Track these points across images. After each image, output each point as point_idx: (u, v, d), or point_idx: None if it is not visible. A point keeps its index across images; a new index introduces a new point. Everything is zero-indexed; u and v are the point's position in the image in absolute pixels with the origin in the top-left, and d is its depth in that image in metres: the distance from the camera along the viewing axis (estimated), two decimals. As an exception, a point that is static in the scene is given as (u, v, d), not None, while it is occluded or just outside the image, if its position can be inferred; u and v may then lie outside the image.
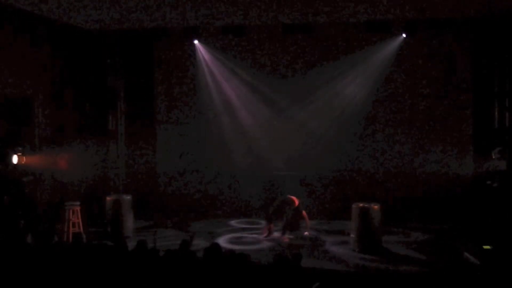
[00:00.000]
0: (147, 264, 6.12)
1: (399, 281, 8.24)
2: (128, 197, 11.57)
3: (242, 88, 14.05)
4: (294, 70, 13.87)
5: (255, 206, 13.74)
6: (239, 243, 10.86)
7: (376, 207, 10.14)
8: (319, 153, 13.53)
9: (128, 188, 13.91)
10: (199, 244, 9.75)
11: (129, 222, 11.44)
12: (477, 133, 12.82)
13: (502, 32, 12.16)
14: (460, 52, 13.02)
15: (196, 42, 14.01)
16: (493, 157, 11.12)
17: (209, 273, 5.78)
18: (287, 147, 13.78)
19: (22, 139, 11.18)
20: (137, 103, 14.49)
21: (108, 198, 11.55)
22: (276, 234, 11.20)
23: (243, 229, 12.29)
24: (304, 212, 11.17)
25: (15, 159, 10.32)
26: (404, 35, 12.99)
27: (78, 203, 11.21)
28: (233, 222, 13.09)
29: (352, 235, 10.34)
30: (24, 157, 10.51)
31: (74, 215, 10.98)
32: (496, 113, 12.50)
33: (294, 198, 11.23)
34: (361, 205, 10.22)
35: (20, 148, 10.53)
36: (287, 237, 10.95)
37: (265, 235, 11.17)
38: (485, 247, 8.79)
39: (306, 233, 11.16)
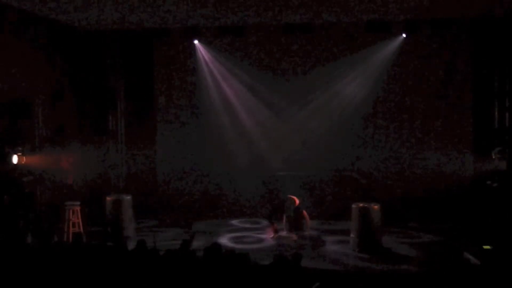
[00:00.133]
0: (147, 264, 6.12)
1: (399, 281, 8.23)
2: (128, 197, 11.56)
3: (242, 88, 14.05)
4: (294, 70, 13.87)
5: (256, 206, 13.73)
6: (242, 243, 10.91)
7: (376, 207, 10.14)
8: (319, 153, 13.53)
9: (128, 188, 13.90)
10: (203, 243, 9.74)
11: (129, 222, 11.44)
12: (477, 133, 12.83)
13: (502, 32, 12.16)
14: (460, 52, 13.03)
15: (196, 42, 14.01)
16: (493, 157, 11.13)
17: (209, 273, 5.78)
18: (287, 147, 13.78)
19: (22, 139, 11.18)
20: (137, 103, 14.48)
21: (108, 198, 11.54)
22: (283, 233, 11.19)
23: (246, 229, 12.29)
24: (304, 212, 11.18)
25: (15, 159, 10.32)
26: (404, 35, 12.99)
27: (78, 203, 11.22)
28: (235, 222, 13.11)
29: (352, 235, 10.35)
30: (24, 157, 10.51)
31: (74, 215, 10.98)
32: (496, 113, 12.51)
33: (294, 197, 11.24)
34: (361, 205, 10.23)
35: (20, 148, 10.53)
36: (294, 235, 10.94)
37: (271, 235, 11.18)
38: (485, 247, 8.79)
39: (306, 233, 11.17)
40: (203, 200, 14.23)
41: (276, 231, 11.21)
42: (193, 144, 14.19)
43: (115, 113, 14.38)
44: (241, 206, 13.96)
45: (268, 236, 11.24)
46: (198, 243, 9.78)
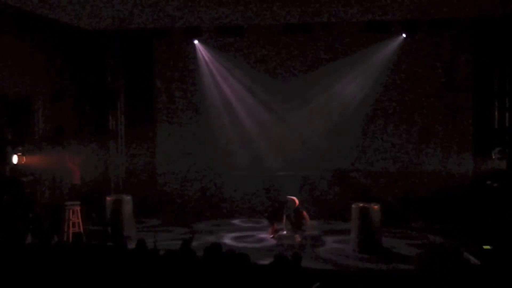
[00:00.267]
0: (147, 264, 6.12)
1: (399, 281, 8.23)
2: (128, 197, 11.56)
3: (242, 88, 14.05)
4: (294, 70, 13.87)
5: (256, 206, 13.74)
6: (245, 242, 10.95)
7: (376, 207, 10.14)
8: (319, 153, 13.54)
9: (128, 188, 13.90)
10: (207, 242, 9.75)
11: (129, 222, 11.43)
12: (477, 133, 12.82)
13: (502, 32, 12.16)
14: (460, 52, 13.03)
15: (196, 42, 14.01)
16: (493, 157, 11.13)
17: (209, 273, 5.77)
18: (287, 147, 13.79)
19: (22, 139, 11.17)
20: (137, 103, 14.49)
21: (108, 198, 11.55)
22: (284, 233, 11.19)
23: (247, 228, 12.30)
24: (304, 212, 11.17)
25: (15, 159, 10.32)
26: (404, 35, 12.99)
27: (78, 203, 11.22)
28: (236, 222, 13.13)
29: (352, 235, 10.34)
30: (24, 157, 10.51)
31: (74, 215, 10.98)
32: (496, 113, 12.51)
33: (294, 198, 11.24)
34: (361, 205, 10.23)
35: (20, 148, 10.53)
36: (298, 236, 10.94)
37: (271, 235, 11.19)
38: (485, 247, 8.79)
39: (306, 233, 11.16)
40: (203, 200, 14.23)
41: (276, 231, 11.21)
42: (193, 144, 14.19)
43: (115, 113, 14.39)
44: (241, 206, 13.95)
45: (268, 236, 11.25)
46: (200, 243, 9.80)
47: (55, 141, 12.26)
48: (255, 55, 13.96)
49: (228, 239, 11.24)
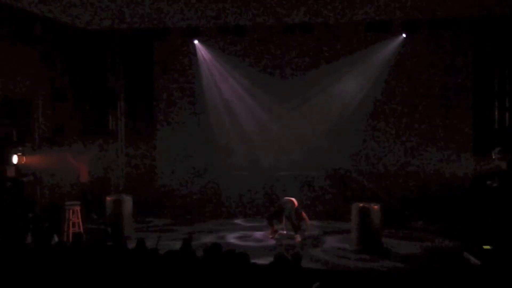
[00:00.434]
0: (147, 264, 6.12)
1: (399, 281, 8.23)
2: (128, 197, 11.56)
3: (242, 88, 14.06)
4: (294, 70, 13.87)
5: (256, 206, 13.74)
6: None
7: (376, 207, 10.13)
8: (319, 153, 13.53)
9: (128, 188, 13.90)
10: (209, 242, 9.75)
11: (129, 222, 11.44)
12: (477, 133, 12.82)
13: (502, 32, 12.16)
14: (460, 52, 13.02)
15: (196, 42, 14.00)
16: (493, 157, 11.11)
17: (209, 273, 5.77)
18: (287, 147, 13.79)
19: (22, 139, 11.18)
20: (137, 103, 14.49)
21: (108, 198, 11.54)
22: (284, 233, 11.19)
23: (247, 228, 12.31)
24: (303, 213, 11.16)
25: (15, 159, 10.32)
26: (404, 35, 12.99)
27: (78, 203, 11.22)
28: (237, 221, 13.16)
29: (352, 235, 10.34)
30: (24, 157, 10.51)
31: (74, 215, 10.98)
32: (496, 113, 12.51)
33: (293, 199, 11.22)
34: (361, 205, 10.22)
35: (20, 148, 10.53)
36: (298, 236, 10.93)
37: (271, 236, 11.18)
38: (485, 247, 8.79)
39: (306, 233, 11.15)
40: (203, 200, 14.22)
41: (276, 231, 11.21)
42: (193, 144, 14.18)
43: (115, 113, 14.39)
44: (242, 206, 13.95)
45: (269, 235, 11.24)
46: (202, 242, 9.81)
47: (55, 141, 12.27)
48: (255, 55, 13.96)
49: (229, 239, 11.23)
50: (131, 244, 7.02)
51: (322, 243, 10.91)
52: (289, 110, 13.89)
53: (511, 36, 12.03)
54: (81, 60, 13.37)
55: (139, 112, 14.49)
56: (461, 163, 12.97)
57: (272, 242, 10.87)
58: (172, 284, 5.76)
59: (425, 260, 9.58)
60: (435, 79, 13.24)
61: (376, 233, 10.13)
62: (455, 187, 12.60)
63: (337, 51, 13.56)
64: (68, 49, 12.91)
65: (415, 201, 12.78)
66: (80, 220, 11.01)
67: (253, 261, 6.26)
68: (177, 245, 7.29)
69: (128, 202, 11.43)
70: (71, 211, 10.93)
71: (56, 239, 8.54)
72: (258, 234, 11.63)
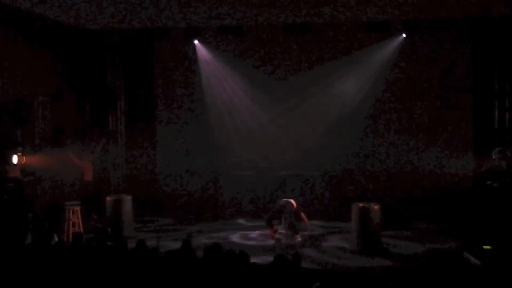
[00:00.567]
0: (147, 264, 6.12)
1: (399, 281, 8.23)
2: (128, 197, 11.56)
3: (242, 88, 14.05)
4: (294, 70, 13.86)
5: (256, 206, 13.75)
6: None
7: (376, 207, 10.13)
8: (319, 153, 13.52)
9: (128, 188, 13.91)
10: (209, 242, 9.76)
11: (129, 222, 11.44)
12: (477, 133, 12.82)
13: (502, 32, 12.16)
14: (460, 52, 13.02)
15: (196, 42, 14.00)
16: (493, 157, 11.12)
17: (209, 273, 5.77)
18: (287, 146, 13.79)
19: (22, 139, 11.18)
20: (137, 103, 14.50)
21: (108, 198, 11.55)
22: (284, 233, 11.19)
23: (248, 228, 12.32)
24: (302, 214, 11.16)
25: (15, 159, 10.32)
26: (404, 35, 13.00)
27: (78, 203, 11.22)
28: (238, 221, 13.17)
29: (352, 235, 10.34)
30: (24, 157, 10.51)
31: (74, 215, 10.98)
32: (496, 113, 12.51)
33: (291, 201, 11.22)
34: (361, 205, 10.22)
35: (20, 148, 10.53)
36: (298, 236, 10.93)
37: (271, 236, 11.18)
38: (485, 247, 8.79)
39: (306, 233, 11.16)
40: (203, 200, 14.22)
41: (275, 231, 11.21)
42: (193, 144, 14.19)
43: (115, 113, 14.39)
44: (242, 206, 13.95)
45: (269, 235, 11.25)
46: (204, 242, 9.82)
47: (55, 141, 12.27)
48: (255, 55, 13.96)
49: (230, 239, 11.24)
50: (131, 244, 7.01)
51: (322, 243, 10.91)
52: (289, 110, 13.88)
53: (511, 36, 12.03)
54: (81, 60, 13.37)
55: (139, 112, 14.50)
56: (461, 163, 12.97)
57: (272, 242, 10.87)
58: (172, 284, 5.76)
59: (425, 260, 9.58)
60: (435, 79, 13.24)
61: (376, 233, 10.13)
62: (455, 187, 12.60)
63: (337, 51, 13.56)
64: (68, 49, 12.91)
65: (415, 201, 12.77)
66: (80, 220, 11.02)
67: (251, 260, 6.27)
68: (178, 245, 7.28)
69: (128, 202, 11.44)
70: (71, 211, 10.94)
71: (56, 239, 8.53)
72: (254, 234, 11.63)
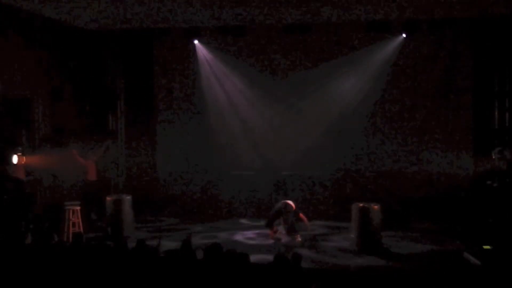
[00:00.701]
0: (147, 264, 6.12)
1: (399, 281, 8.23)
2: (128, 197, 11.56)
3: (242, 88, 14.05)
4: (294, 70, 13.87)
5: (256, 206, 13.74)
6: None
7: (376, 207, 10.14)
8: (319, 153, 13.52)
9: (128, 188, 13.90)
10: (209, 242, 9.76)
11: (129, 222, 11.44)
12: (477, 133, 12.82)
13: (502, 32, 12.16)
14: (460, 52, 13.03)
15: (196, 42, 14.01)
16: (493, 157, 11.12)
17: (209, 273, 5.77)
18: (287, 147, 13.79)
19: (22, 139, 11.18)
20: (137, 103, 14.50)
21: (108, 198, 11.54)
22: (283, 233, 11.19)
23: (248, 227, 12.32)
24: (301, 214, 11.15)
25: (15, 159, 10.32)
26: (404, 35, 13.00)
27: (78, 203, 11.22)
28: (238, 221, 13.16)
29: (352, 235, 10.34)
30: (24, 157, 10.51)
31: (74, 215, 10.98)
32: (496, 113, 12.51)
33: (290, 202, 11.21)
34: (361, 205, 10.22)
35: (20, 148, 10.53)
36: (298, 236, 10.92)
37: (271, 236, 11.18)
38: (485, 247, 8.79)
39: (305, 233, 11.15)
40: (203, 199, 14.22)
41: (275, 231, 11.22)
42: (193, 144, 14.18)
43: (115, 113, 14.40)
44: (242, 206, 13.94)
45: (269, 235, 11.25)
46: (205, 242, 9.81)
47: (55, 141, 12.27)
48: (255, 55, 13.96)
49: (229, 238, 11.25)
50: (131, 244, 7.01)
51: (321, 243, 10.90)
52: (289, 110, 13.89)
53: (511, 36, 12.03)
54: (81, 60, 13.37)
55: (139, 112, 14.49)
56: (461, 163, 12.97)
57: (271, 242, 10.87)
58: (172, 284, 5.76)
59: (425, 260, 9.58)
60: (435, 79, 13.24)
61: (376, 233, 10.13)
62: (455, 187, 12.60)
63: (337, 51, 13.56)
64: (68, 49, 12.91)
65: (415, 201, 12.77)
66: (80, 220, 11.02)
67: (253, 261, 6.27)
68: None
69: (128, 202, 11.43)
70: (71, 211, 10.94)
71: (56, 239, 8.53)
72: (254, 233, 11.63)
